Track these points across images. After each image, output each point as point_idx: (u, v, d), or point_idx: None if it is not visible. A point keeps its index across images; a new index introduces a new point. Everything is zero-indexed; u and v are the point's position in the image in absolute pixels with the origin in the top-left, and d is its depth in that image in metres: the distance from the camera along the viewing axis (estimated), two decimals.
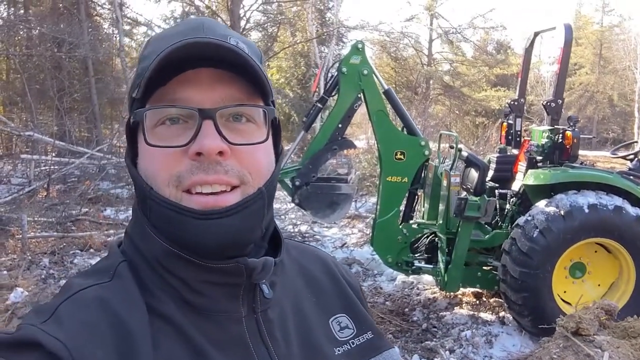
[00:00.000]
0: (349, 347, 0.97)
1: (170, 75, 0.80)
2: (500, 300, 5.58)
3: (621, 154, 6.44)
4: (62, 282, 6.03)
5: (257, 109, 0.85)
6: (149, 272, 0.84)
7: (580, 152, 5.55)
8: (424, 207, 5.88)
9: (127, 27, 20.43)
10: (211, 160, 0.79)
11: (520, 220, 4.94)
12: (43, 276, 6.54)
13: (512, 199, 5.57)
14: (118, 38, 17.84)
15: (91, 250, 7.62)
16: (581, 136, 5.48)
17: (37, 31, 16.99)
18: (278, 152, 0.93)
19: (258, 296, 0.88)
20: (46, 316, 0.76)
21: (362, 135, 22.72)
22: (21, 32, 18.21)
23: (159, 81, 0.80)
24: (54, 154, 11.56)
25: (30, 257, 7.15)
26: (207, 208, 0.79)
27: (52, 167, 11.25)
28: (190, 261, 0.81)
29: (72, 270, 6.71)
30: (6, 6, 20.42)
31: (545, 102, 5.52)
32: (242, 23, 16.76)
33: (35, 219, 8.61)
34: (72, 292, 0.79)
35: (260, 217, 0.85)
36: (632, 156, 6.01)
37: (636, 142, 6.32)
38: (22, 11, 20.33)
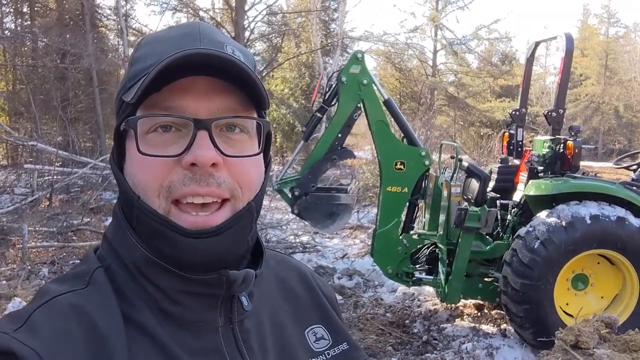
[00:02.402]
0: (325, 358, 0.97)
1: (165, 82, 0.78)
2: (501, 312, 5.51)
3: (625, 164, 6.38)
4: None
5: (251, 121, 0.85)
6: (126, 278, 0.83)
7: (586, 163, 5.52)
8: (424, 217, 5.84)
9: (132, 38, 20.52)
10: (204, 172, 0.78)
11: (521, 231, 4.89)
12: (42, 286, 6.52)
13: (513, 210, 5.52)
14: (123, 49, 17.94)
15: None
16: (583, 146, 5.44)
17: (42, 42, 17.11)
18: (267, 162, 0.92)
19: (236, 307, 0.87)
20: (19, 323, 0.74)
21: (366, 145, 22.71)
22: (27, 43, 18.35)
23: (153, 87, 0.78)
24: (57, 164, 11.58)
25: (29, 267, 7.14)
26: (197, 228, 0.79)
27: (55, 177, 11.26)
28: (171, 271, 0.81)
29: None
30: (13, 17, 20.65)
31: (546, 112, 5.49)
32: (247, 34, 16.80)
33: (37, 228, 8.61)
34: (46, 299, 0.78)
35: (247, 232, 0.85)
36: (635, 166, 5.95)
37: (639, 152, 6.25)
38: (28, 22, 20.51)
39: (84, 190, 11.70)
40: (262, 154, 0.88)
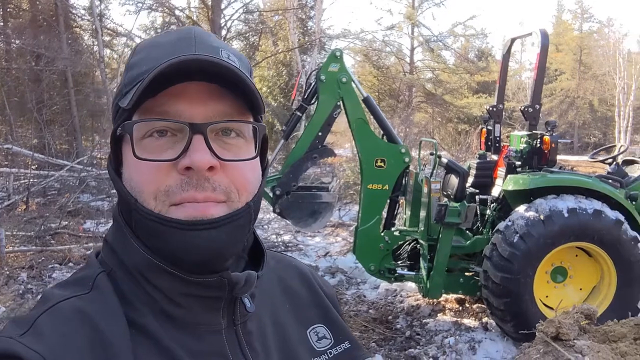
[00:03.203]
0: (327, 357, 0.97)
1: (160, 87, 0.78)
2: (483, 306, 5.58)
3: (600, 158, 6.49)
4: None
5: (246, 125, 0.85)
6: (128, 282, 0.83)
7: (562, 157, 5.60)
8: (405, 214, 5.87)
9: (107, 38, 20.29)
10: (200, 176, 0.78)
11: (501, 225, 4.95)
12: (21, 291, 6.43)
13: (492, 205, 5.58)
14: (98, 49, 17.73)
15: (70, 264, 7.50)
16: (559, 141, 5.51)
17: (16, 44, 16.83)
18: (264, 166, 0.93)
19: (238, 309, 0.87)
20: (25, 328, 0.75)
21: (346, 143, 22.71)
22: (0, 45, 18.02)
23: (148, 92, 0.78)
24: (33, 167, 11.40)
25: (8, 272, 7.02)
26: (193, 218, 0.78)
27: (31, 180, 11.09)
28: (173, 273, 0.81)
29: (51, 285, 6.60)
30: None
31: (523, 107, 5.55)
32: (224, 32, 16.72)
33: (14, 233, 8.47)
34: (50, 304, 0.78)
35: (245, 232, 0.85)
36: (610, 160, 6.05)
37: (614, 145, 6.35)
38: (1, 24, 20.14)
39: (61, 193, 11.52)
40: (258, 158, 0.88)
